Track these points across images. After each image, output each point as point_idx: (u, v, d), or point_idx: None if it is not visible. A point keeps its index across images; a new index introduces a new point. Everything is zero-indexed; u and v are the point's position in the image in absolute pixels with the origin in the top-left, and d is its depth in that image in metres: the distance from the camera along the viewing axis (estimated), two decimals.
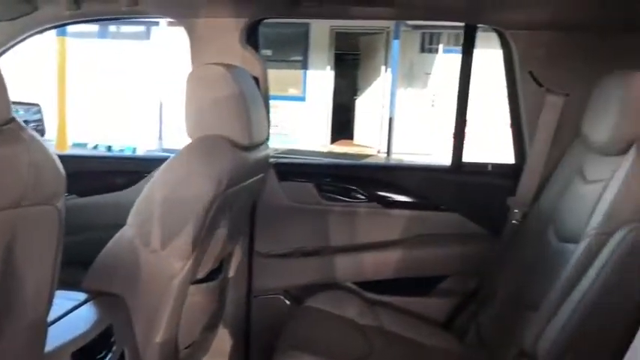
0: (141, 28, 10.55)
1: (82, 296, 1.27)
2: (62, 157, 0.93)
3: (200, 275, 1.47)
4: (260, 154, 1.59)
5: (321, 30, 10.79)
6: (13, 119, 0.84)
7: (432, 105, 10.38)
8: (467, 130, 2.04)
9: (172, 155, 1.38)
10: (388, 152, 10.51)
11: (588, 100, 1.59)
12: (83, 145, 9.79)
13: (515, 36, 1.84)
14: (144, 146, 9.44)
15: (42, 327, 0.96)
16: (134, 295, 1.32)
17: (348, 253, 2.01)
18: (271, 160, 1.90)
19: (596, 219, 1.35)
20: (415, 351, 1.71)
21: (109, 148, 9.64)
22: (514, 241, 1.81)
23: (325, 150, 11.02)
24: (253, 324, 2.05)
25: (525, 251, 1.71)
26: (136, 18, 2.30)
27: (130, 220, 1.35)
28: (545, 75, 1.81)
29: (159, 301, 1.33)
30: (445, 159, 2.18)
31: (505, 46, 1.91)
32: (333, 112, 11.29)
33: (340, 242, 2.02)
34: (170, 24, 8.87)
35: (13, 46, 2.03)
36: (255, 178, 1.60)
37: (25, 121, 1.54)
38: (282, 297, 2.04)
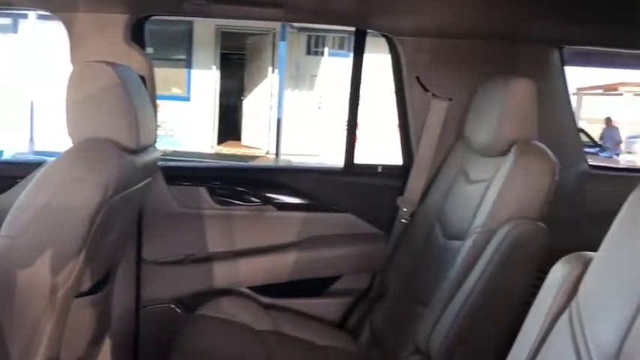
0: (7, 21, 9.71)
1: None
2: None
3: (85, 287, 1.37)
4: (148, 157, 1.51)
5: (205, 29, 10.57)
6: None
7: (319, 107, 10.57)
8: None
9: (51, 159, 1.27)
10: (277, 153, 10.54)
11: (470, 104, 1.68)
12: None
13: (402, 42, 1.90)
14: (12, 149, 8.68)
15: None
16: (9, 314, 1.19)
17: (241, 257, 1.97)
18: (159, 163, 1.81)
19: (481, 217, 1.43)
20: (311, 352, 1.71)
21: None
22: (404, 240, 1.87)
23: (212, 151, 10.81)
24: (142, 336, 1.94)
25: (415, 249, 1.77)
26: (3, 9, 2.09)
27: (3, 230, 1.22)
28: (431, 80, 1.89)
29: (38, 318, 1.21)
30: (333, 159, 2.21)
31: (393, 51, 1.97)
32: (220, 113, 11.11)
33: (233, 247, 1.98)
34: (41, 17, 8.24)
35: None
36: (143, 183, 1.52)
37: None
38: (173, 306, 1.95)
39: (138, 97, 1.41)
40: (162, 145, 9.58)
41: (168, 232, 1.94)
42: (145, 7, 1.80)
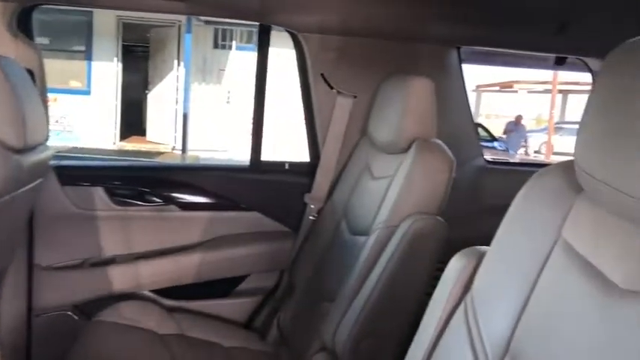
0: None
1: None
2: None
3: None
4: (38, 156, 1.41)
5: (106, 19, 10.08)
6: None
7: (227, 102, 10.41)
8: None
9: None
10: (184, 149, 10.28)
11: (373, 102, 1.71)
12: None
13: (307, 39, 1.90)
14: None
15: None
16: None
17: (144, 260, 1.89)
18: (52, 162, 1.70)
19: (384, 212, 1.46)
20: (217, 354, 1.68)
21: None
22: (311, 237, 1.88)
23: (115, 147, 10.37)
24: (35, 346, 1.81)
25: (322, 246, 1.78)
26: None
27: None
28: (336, 77, 1.91)
29: None
30: (242, 155, 2.18)
31: (298, 48, 1.96)
32: (123, 107, 10.64)
33: (135, 249, 1.89)
34: None
35: None
36: (33, 184, 1.42)
37: None
38: (70, 313, 1.84)
39: (24, 92, 1.31)
40: (60, 141, 9.06)
41: (63, 236, 1.82)
42: None
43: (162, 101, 10.63)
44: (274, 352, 1.78)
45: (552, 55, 2.18)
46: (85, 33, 10.26)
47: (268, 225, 1.99)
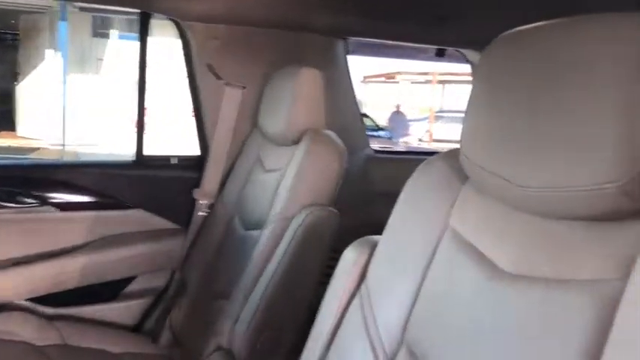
0: None
1: None
2: None
3: None
4: None
5: None
6: None
7: (107, 92, 9.87)
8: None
9: None
10: (63, 144, 9.62)
11: (262, 93, 1.68)
12: None
13: (192, 27, 1.82)
14: None
15: None
16: None
17: (18, 267, 1.73)
18: None
19: (277, 205, 1.44)
20: None
21: None
22: (203, 233, 1.82)
23: None
24: None
25: (214, 242, 1.73)
26: None
27: None
28: (223, 68, 1.85)
29: None
30: (125, 150, 2.06)
31: (183, 37, 1.88)
32: None
33: (7, 255, 1.73)
34: None
35: None
36: None
37: None
38: None
39: None
40: None
41: None
42: None
43: (35, 93, 9.86)
44: (167, 354, 1.71)
45: (433, 47, 2.28)
46: None
47: (156, 223, 1.90)
